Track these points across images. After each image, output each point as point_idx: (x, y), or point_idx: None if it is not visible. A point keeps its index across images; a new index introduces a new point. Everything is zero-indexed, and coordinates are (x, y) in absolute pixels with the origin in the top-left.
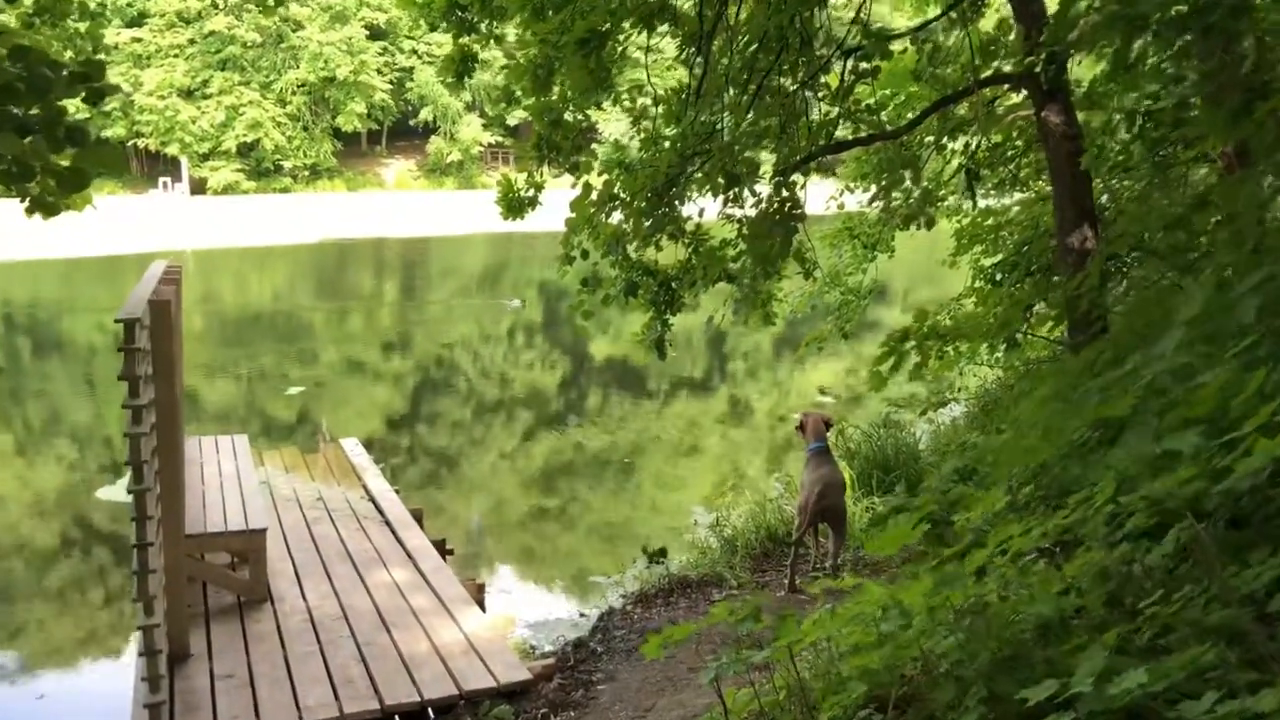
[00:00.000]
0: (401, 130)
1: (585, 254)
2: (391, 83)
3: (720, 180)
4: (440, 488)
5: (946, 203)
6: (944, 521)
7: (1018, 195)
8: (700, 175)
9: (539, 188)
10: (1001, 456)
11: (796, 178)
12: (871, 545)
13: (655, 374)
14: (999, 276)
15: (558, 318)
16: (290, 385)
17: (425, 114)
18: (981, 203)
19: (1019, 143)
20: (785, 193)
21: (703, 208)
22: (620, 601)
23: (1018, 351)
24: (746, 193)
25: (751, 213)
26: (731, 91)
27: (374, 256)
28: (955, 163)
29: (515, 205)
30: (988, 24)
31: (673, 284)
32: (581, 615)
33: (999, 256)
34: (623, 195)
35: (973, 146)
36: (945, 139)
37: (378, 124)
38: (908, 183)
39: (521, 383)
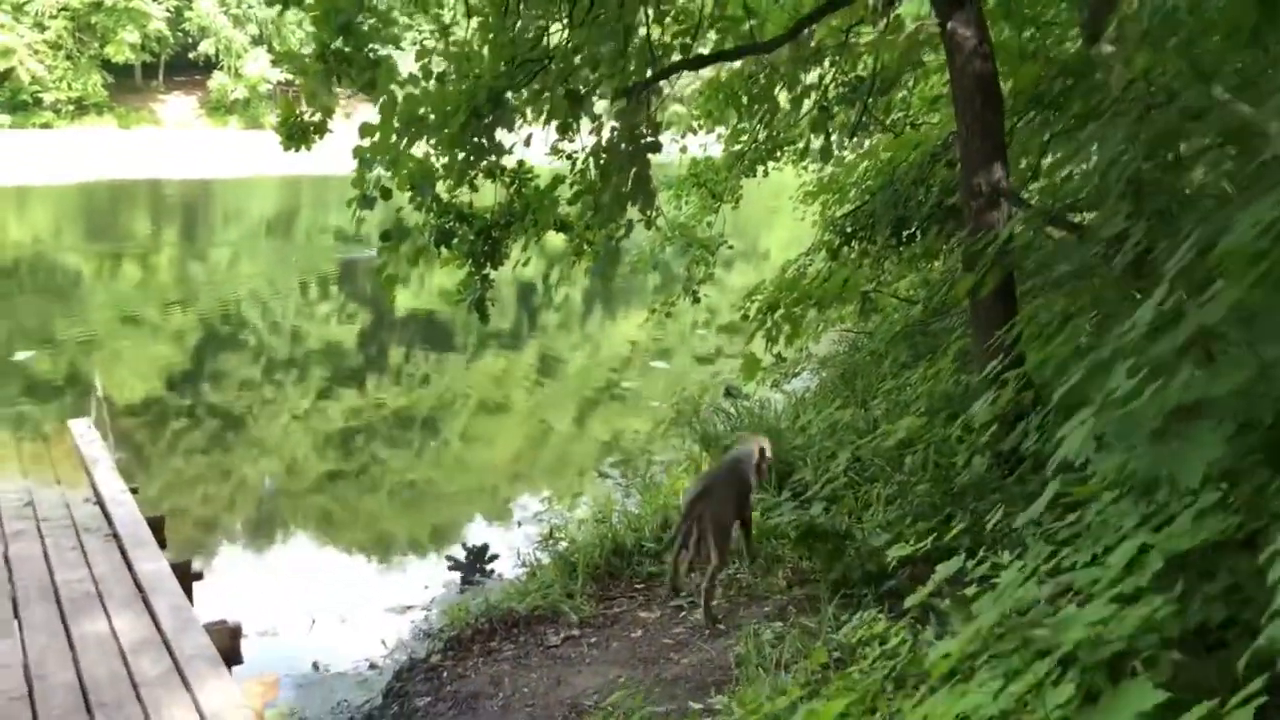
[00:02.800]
0: (181, 64)
1: (386, 193)
2: (169, 11)
3: (560, 98)
4: (196, 473)
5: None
6: (843, 535)
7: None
8: (531, 92)
9: (327, 111)
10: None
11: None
12: None
13: (462, 329)
14: (849, 229)
15: (354, 269)
16: (18, 349)
17: (206, 47)
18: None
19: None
20: (638, 117)
21: (528, 134)
22: (425, 646)
23: (873, 312)
24: (586, 119)
25: (588, 143)
26: None
27: (150, 198)
28: (810, 99)
29: (298, 133)
30: None
31: (493, 232)
32: (372, 667)
33: (849, 206)
34: (431, 116)
35: (826, 80)
36: (806, 66)
37: (153, 56)
38: (767, 118)
39: (316, 339)
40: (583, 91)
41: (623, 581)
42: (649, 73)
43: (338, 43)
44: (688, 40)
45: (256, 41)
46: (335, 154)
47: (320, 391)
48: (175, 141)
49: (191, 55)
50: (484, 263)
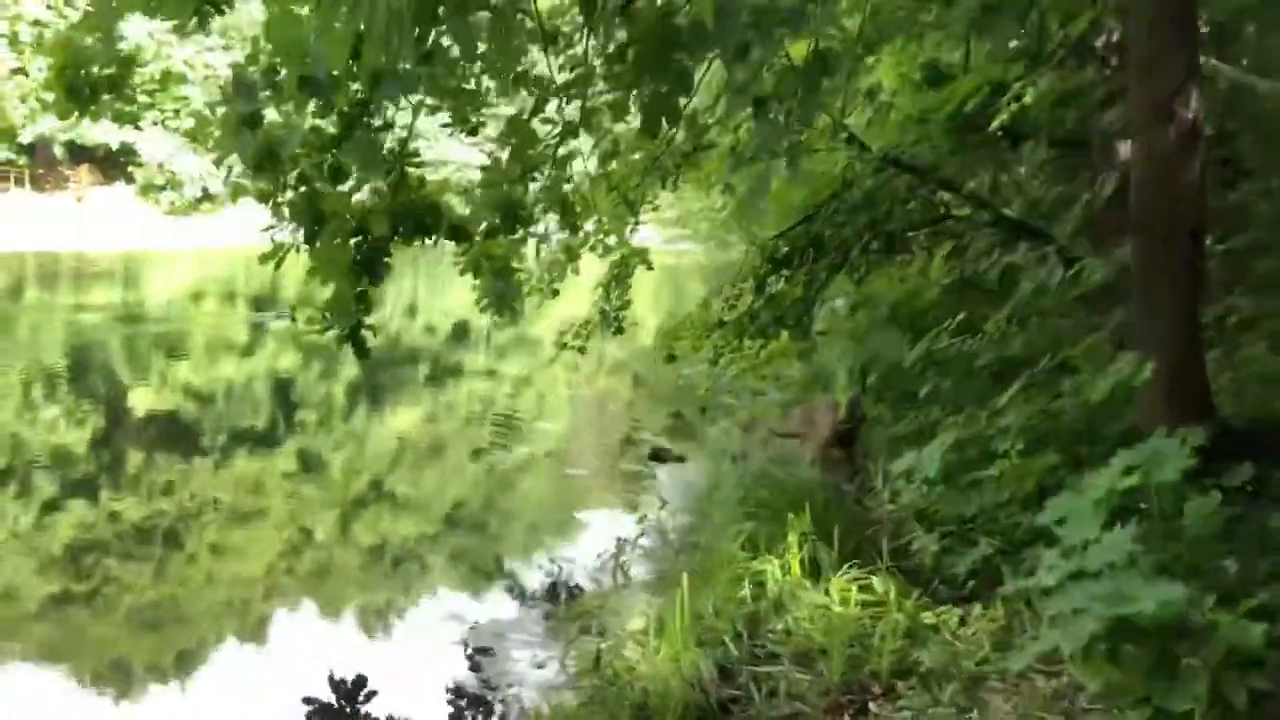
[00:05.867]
0: None
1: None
2: None
3: None
4: None
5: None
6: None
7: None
8: None
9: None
10: None
11: None
12: None
13: (211, 429)
14: (784, 251)
15: (89, 362)
16: None
17: None
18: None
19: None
20: None
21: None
22: None
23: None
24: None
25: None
26: None
27: None
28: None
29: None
30: None
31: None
32: None
33: (786, 225)
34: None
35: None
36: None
37: None
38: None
39: (40, 445)
40: None
41: None
42: None
43: None
44: None
45: None
46: (67, 227)
47: (45, 505)
48: None
49: None
50: (361, 274)
